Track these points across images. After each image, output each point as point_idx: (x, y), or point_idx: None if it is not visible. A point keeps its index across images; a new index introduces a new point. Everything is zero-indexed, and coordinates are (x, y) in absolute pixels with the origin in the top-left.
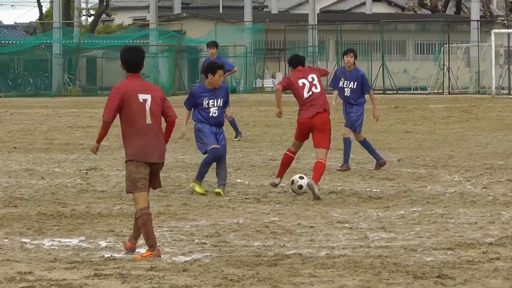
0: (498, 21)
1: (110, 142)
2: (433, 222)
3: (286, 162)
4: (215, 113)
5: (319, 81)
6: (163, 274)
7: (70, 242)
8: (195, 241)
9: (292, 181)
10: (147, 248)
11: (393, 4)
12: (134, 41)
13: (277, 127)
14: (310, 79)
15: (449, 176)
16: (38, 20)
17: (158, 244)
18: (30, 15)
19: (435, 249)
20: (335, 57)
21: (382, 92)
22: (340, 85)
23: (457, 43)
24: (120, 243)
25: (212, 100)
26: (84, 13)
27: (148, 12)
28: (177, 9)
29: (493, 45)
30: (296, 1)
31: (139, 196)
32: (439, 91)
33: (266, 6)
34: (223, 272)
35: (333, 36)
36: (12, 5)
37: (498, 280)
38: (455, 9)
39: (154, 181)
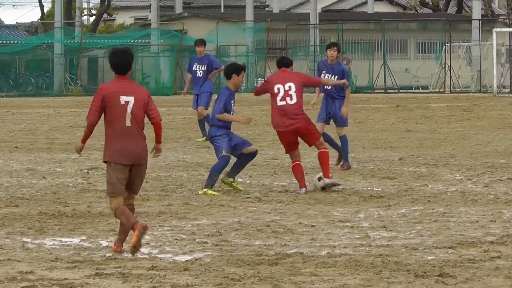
0: (499, 20)
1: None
2: (434, 220)
3: (299, 171)
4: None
5: (297, 91)
6: (164, 273)
7: (71, 241)
8: (196, 240)
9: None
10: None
11: (394, 3)
12: (136, 41)
13: None
14: (287, 88)
15: (450, 175)
16: (39, 20)
17: (141, 223)
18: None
19: (436, 248)
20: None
21: (383, 91)
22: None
23: (458, 42)
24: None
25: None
26: (85, 12)
27: (150, 11)
28: (179, 9)
29: (494, 44)
30: (297, 1)
31: (116, 199)
32: (440, 90)
33: (268, 6)
34: (224, 271)
35: (335, 35)
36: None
37: (499, 279)
38: (456, 8)
39: (133, 184)
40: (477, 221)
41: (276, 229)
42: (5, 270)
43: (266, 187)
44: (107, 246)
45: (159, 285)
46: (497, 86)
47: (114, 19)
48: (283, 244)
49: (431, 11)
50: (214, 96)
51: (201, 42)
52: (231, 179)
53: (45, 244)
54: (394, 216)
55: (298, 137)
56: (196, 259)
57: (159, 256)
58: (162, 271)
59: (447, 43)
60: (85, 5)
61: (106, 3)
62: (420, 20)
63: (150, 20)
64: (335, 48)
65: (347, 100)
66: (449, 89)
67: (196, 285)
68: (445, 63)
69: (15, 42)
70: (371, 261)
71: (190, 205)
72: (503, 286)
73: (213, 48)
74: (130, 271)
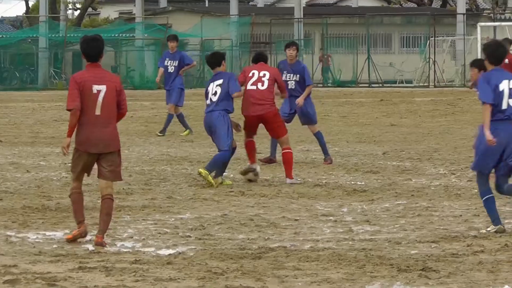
0: (484, 14)
1: None
2: (418, 215)
3: (252, 147)
4: None
5: (270, 80)
6: (148, 267)
7: (55, 235)
8: (180, 234)
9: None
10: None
11: None
12: (120, 35)
13: None
14: (261, 74)
15: (434, 169)
16: (24, 14)
17: (85, 220)
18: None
19: (419, 242)
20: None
21: (367, 85)
22: (283, 79)
23: (443, 36)
24: (105, 236)
25: None
26: (70, 6)
27: (134, 5)
28: (163, 3)
29: (479, 38)
30: None
31: (74, 180)
32: (424, 84)
33: (252, 0)
34: (207, 265)
35: (319, 29)
36: None
37: (483, 273)
38: (441, 3)
39: (103, 170)
40: (461, 216)
41: (260, 223)
42: None
43: (249, 181)
44: (90, 239)
45: (142, 279)
46: None
47: (99, 13)
48: (266, 238)
49: (416, 5)
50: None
51: (174, 38)
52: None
53: (29, 237)
54: (377, 210)
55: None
56: (179, 253)
57: (142, 250)
58: (145, 264)
59: (432, 37)
60: None
61: None
62: (404, 15)
63: (134, 14)
64: (294, 47)
65: (306, 94)
66: (433, 84)
67: (179, 279)
68: (429, 58)
69: (0, 36)
70: (354, 255)
71: (174, 199)
72: (486, 280)
73: (197, 42)
74: (113, 264)
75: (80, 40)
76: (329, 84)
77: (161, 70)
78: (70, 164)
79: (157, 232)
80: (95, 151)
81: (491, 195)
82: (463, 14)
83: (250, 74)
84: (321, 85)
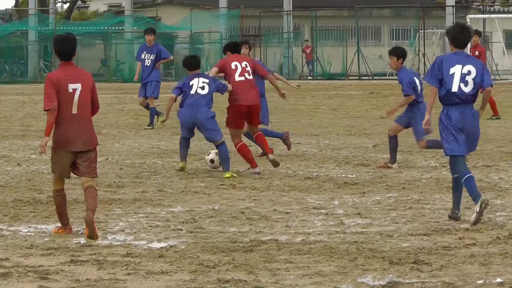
0: (473, 6)
1: None
2: (409, 208)
3: (247, 150)
4: None
5: (251, 69)
6: (139, 260)
7: (47, 228)
8: (171, 227)
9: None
10: (59, 226)
11: None
12: (109, 28)
13: None
14: (243, 65)
15: (424, 162)
16: (13, 7)
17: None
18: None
19: (411, 235)
20: (310, 43)
21: (357, 78)
22: None
23: (432, 29)
24: (97, 229)
25: None
26: (59, 0)
27: None
28: None
29: None
30: None
31: (56, 179)
32: None
33: None
34: (199, 258)
35: (308, 22)
36: None
37: (474, 266)
38: None
39: (81, 168)
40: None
41: (251, 216)
42: None
43: (240, 174)
44: (81, 233)
45: (134, 272)
46: None
47: (88, 6)
48: (258, 231)
49: None
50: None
51: (151, 31)
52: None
53: (20, 231)
54: (368, 203)
55: None
56: (171, 246)
57: (134, 243)
58: (137, 258)
59: (421, 29)
60: None
61: None
62: (393, 7)
63: (123, 7)
64: (246, 45)
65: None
66: (423, 76)
67: (171, 272)
68: (419, 50)
69: None
70: (346, 248)
71: (165, 192)
72: (478, 273)
73: (187, 35)
74: (105, 258)
75: (53, 40)
76: (318, 77)
77: (139, 64)
78: (50, 165)
79: (148, 225)
80: (73, 150)
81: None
82: (453, 6)
83: (233, 67)
84: (311, 78)
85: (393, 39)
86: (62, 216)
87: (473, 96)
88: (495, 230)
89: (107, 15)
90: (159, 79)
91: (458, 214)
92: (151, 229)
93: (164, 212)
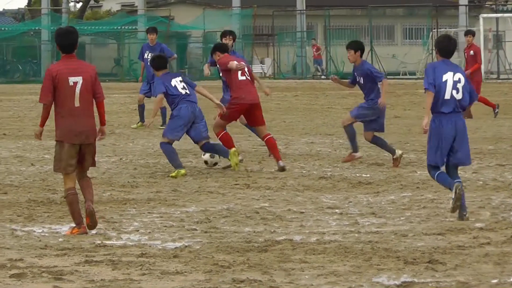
0: (486, 5)
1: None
2: (424, 207)
3: (230, 138)
4: None
5: (248, 69)
6: (154, 260)
7: (61, 228)
8: (186, 227)
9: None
10: (74, 226)
11: None
12: (123, 27)
13: (266, 112)
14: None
15: None
16: (26, 7)
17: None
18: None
19: (425, 234)
20: (324, 42)
21: None
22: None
23: (445, 28)
24: (111, 230)
25: None
26: None
27: None
28: None
29: (481, 30)
30: None
31: (66, 177)
32: None
33: None
34: (213, 258)
35: (322, 21)
36: None
37: (489, 265)
38: None
39: (84, 161)
40: (466, 207)
41: (265, 216)
42: None
43: (254, 174)
44: (96, 233)
45: (148, 272)
46: (484, 72)
47: (101, 6)
48: (272, 231)
49: None
50: None
51: (153, 30)
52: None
53: (35, 231)
54: (383, 203)
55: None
56: (186, 246)
57: (148, 243)
58: (152, 258)
59: (434, 29)
60: None
61: None
62: (407, 6)
63: (136, 6)
64: (230, 37)
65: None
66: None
67: (185, 272)
68: (432, 49)
69: (2, 29)
70: (360, 248)
71: (179, 192)
72: (493, 273)
73: (200, 34)
74: (120, 258)
75: (55, 33)
76: (322, 77)
77: (143, 64)
78: (55, 163)
79: (163, 225)
80: (77, 142)
81: (441, 170)
82: (466, 5)
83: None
84: (324, 77)
85: (406, 38)
86: (75, 215)
87: (463, 103)
88: (509, 230)
89: (120, 14)
90: None
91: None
92: (165, 229)
93: (178, 212)
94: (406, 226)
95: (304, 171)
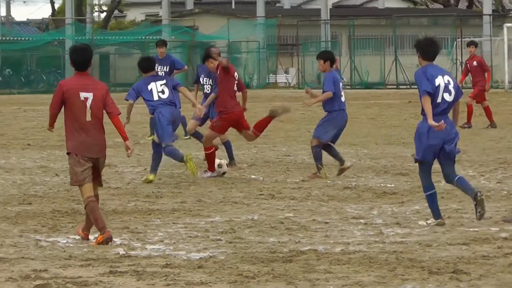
0: (510, 15)
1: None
2: (448, 217)
3: (214, 155)
4: None
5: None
6: (178, 271)
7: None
8: (210, 237)
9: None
10: (99, 233)
11: None
12: (147, 37)
13: (291, 122)
14: (236, 77)
15: (463, 171)
16: (50, 17)
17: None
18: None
19: (450, 245)
20: (348, 52)
21: (395, 87)
22: (202, 82)
23: (469, 38)
24: (135, 240)
25: None
26: (96, 9)
27: (161, 8)
28: (190, 5)
29: (505, 39)
30: None
31: (83, 188)
32: None
33: (279, 1)
34: (238, 268)
35: (346, 31)
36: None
37: None
38: (467, 4)
39: (97, 176)
40: (491, 217)
41: (290, 226)
42: (19, 268)
43: (279, 184)
44: (120, 243)
45: (173, 283)
46: (508, 82)
47: (125, 16)
48: (297, 241)
49: (442, 7)
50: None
51: (162, 43)
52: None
53: (59, 242)
54: (407, 213)
55: None
56: (210, 257)
57: (173, 253)
58: (176, 268)
59: (458, 38)
60: (96, 1)
61: None
62: (431, 16)
63: (161, 16)
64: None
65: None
66: (460, 85)
67: (210, 282)
68: (456, 59)
69: (26, 39)
70: (385, 258)
71: (204, 202)
72: None
73: (224, 44)
74: (144, 268)
75: (70, 49)
76: (356, 86)
77: None
78: (70, 176)
79: (187, 236)
80: (90, 155)
81: (434, 190)
82: (490, 15)
83: (236, 77)
84: (349, 87)
85: None
86: (98, 221)
87: (453, 104)
88: None
89: (144, 24)
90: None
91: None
92: (190, 240)
93: (203, 222)
94: (430, 236)
95: (328, 181)
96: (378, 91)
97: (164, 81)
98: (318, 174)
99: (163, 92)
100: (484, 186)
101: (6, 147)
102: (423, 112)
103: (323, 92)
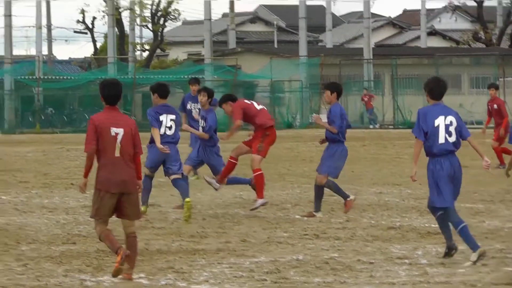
0: None
1: (167, 179)
2: (492, 257)
3: (263, 181)
4: None
5: None
6: None
7: (129, 280)
8: (255, 277)
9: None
10: (116, 256)
11: (447, 38)
12: (189, 76)
13: None
14: (258, 106)
15: (507, 211)
16: (92, 55)
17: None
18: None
19: (494, 285)
20: (391, 91)
21: None
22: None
23: None
24: (180, 280)
25: None
26: (138, 48)
27: (203, 47)
28: (232, 44)
29: None
30: (351, 35)
31: (97, 222)
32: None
33: (321, 41)
34: None
35: (389, 70)
36: (66, 40)
37: None
38: (509, 43)
39: (124, 210)
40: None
41: (335, 266)
42: None
43: (323, 224)
44: (165, 284)
45: None
46: None
47: (167, 55)
48: (342, 281)
49: (484, 46)
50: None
51: (195, 81)
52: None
53: (104, 281)
54: (452, 253)
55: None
56: None
57: None
58: None
59: (501, 78)
60: (138, 40)
61: (159, 38)
62: (473, 55)
63: (203, 55)
64: (204, 93)
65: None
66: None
67: None
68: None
69: (68, 77)
70: None
71: (248, 242)
72: None
73: (267, 83)
74: None
75: (100, 85)
76: (399, 126)
77: (185, 115)
78: (92, 209)
79: (232, 276)
80: (116, 191)
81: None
82: None
83: (256, 104)
84: (392, 127)
85: (473, 87)
86: (113, 243)
87: (457, 144)
88: None
89: (187, 63)
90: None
91: (454, 245)
92: (235, 280)
93: (247, 262)
94: (475, 276)
95: (372, 221)
96: None
97: (175, 117)
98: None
99: (170, 128)
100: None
101: (49, 186)
102: (429, 154)
103: (330, 123)
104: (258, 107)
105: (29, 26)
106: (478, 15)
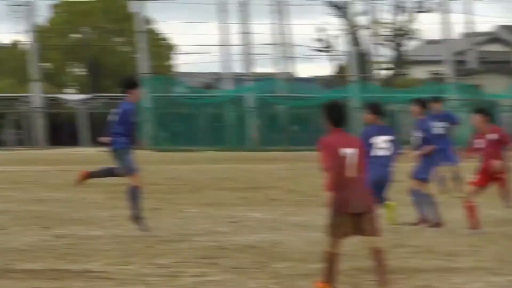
0: None
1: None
2: None
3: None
4: None
5: None
6: None
7: None
8: None
9: None
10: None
11: None
12: (430, 96)
13: None
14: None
15: None
16: (335, 73)
17: None
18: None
19: None
20: None
21: None
22: None
23: None
24: None
25: None
26: (379, 66)
27: (442, 66)
28: (473, 63)
29: None
30: None
31: (334, 242)
32: None
33: None
34: None
35: None
36: (305, 58)
37: None
38: None
39: (363, 229)
40: None
41: None
42: None
43: None
44: None
45: None
46: None
47: (407, 74)
48: None
49: None
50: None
51: (437, 100)
52: None
53: None
54: None
55: None
56: None
57: None
58: None
59: None
60: (378, 59)
61: (400, 57)
62: None
63: (444, 74)
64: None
65: None
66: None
67: None
68: None
69: (311, 95)
70: None
71: (505, 261)
72: None
73: (510, 103)
74: None
75: (326, 107)
76: None
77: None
78: (327, 229)
79: None
80: (354, 211)
81: None
82: None
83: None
84: None
85: None
86: (331, 273)
87: None
88: None
89: (431, 82)
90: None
91: None
92: None
93: (505, 281)
94: None
95: None
96: None
97: (390, 138)
98: None
99: (383, 148)
100: None
101: (300, 204)
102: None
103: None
104: None
105: (268, 44)
106: None
